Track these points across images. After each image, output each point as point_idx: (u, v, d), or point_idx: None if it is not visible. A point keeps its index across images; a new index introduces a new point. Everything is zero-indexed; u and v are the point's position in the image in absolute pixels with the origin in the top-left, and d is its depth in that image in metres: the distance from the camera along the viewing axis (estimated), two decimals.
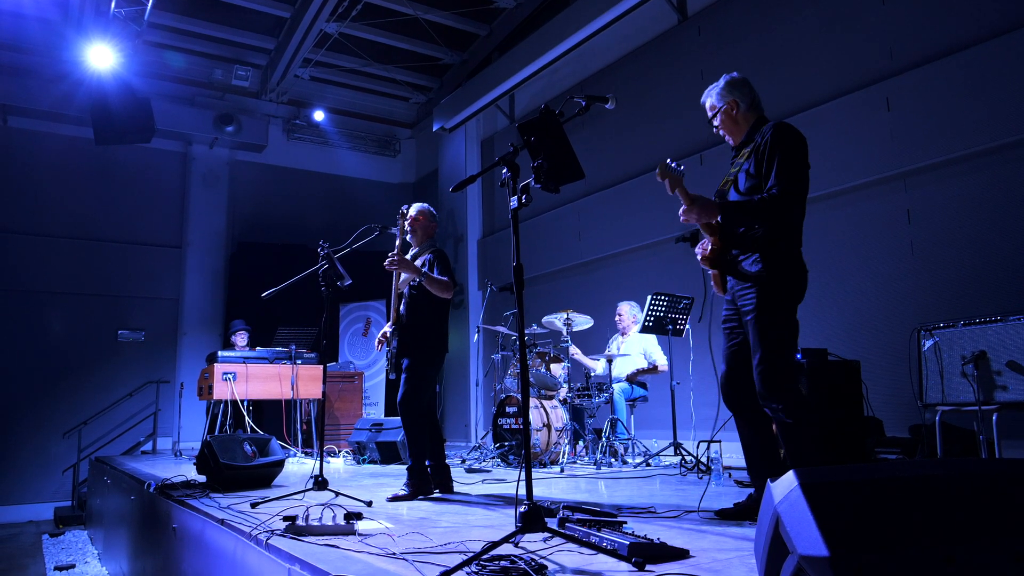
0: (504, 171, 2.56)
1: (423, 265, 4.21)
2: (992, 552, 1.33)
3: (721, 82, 2.99)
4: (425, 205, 4.44)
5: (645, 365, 6.49)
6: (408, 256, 4.35)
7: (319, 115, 11.45)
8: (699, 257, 2.88)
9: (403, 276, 4.20)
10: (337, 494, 3.67)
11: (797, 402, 2.64)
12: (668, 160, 2.85)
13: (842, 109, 5.83)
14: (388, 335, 4.21)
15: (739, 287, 2.77)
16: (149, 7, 8.16)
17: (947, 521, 1.35)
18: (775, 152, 2.71)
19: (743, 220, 2.73)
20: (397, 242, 4.24)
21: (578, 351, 6.64)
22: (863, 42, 5.80)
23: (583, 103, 2.85)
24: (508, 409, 6.06)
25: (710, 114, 3.03)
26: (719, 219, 2.75)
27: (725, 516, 2.80)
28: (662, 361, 6.44)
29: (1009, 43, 4.84)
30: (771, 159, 2.71)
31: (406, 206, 4.38)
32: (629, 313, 6.69)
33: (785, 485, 1.40)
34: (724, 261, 2.78)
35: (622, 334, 6.76)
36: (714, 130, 3.05)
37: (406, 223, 4.32)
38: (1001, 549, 1.33)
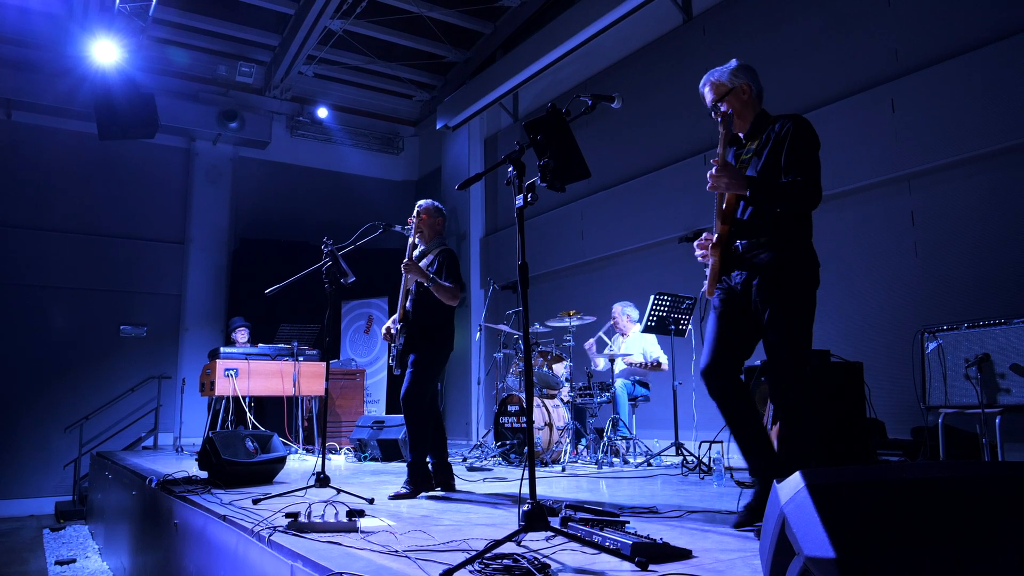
0: (510, 169, 2.55)
1: (431, 264, 4.20)
2: (999, 555, 1.33)
3: (732, 63, 2.89)
4: (429, 201, 4.37)
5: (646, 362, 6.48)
6: (416, 254, 4.34)
7: (323, 112, 11.44)
8: (700, 252, 2.78)
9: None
10: (339, 491, 3.67)
11: (807, 397, 2.63)
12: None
13: (847, 110, 5.82)
14: (395, 332, 4.20)
15: (747, 277, 2.71)
16: (154, 3, 8.16)
17: (954, 523, 1.34)
18: (799, 143, 2.66)
19: (769, 200, 2.64)
20: (409, 241, 4.21)
21: (592, 344, 6.62)
22: (868, 43, 5.79)
23: (589, 102, 2.84)
24: (510, 408, 6.06)
25: (711, 96, 2.88)
26: (748, 192, 2.62)
27: (742, 525, 2.66)
28: (664, 360, 6.44)
29: (1015, 45, 4.82)
30: (797, 149, 2.65)
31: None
32: (622, 313, 6.67)
33: (791, 486, 1.39)
34: (730, 252, 2.71)
35: (622, 335, 6.75)
36: (715, 115, 2.88)
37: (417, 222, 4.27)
38: (1008, 552, 1.33)
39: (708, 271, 2.75)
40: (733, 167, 2.67)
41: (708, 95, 2.92)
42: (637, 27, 7.96)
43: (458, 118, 10.23)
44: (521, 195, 2.47)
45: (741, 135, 2.88)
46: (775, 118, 2.82)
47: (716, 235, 2.73)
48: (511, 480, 4.77)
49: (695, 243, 2.83)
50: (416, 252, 4.33)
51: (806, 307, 2.66)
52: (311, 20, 9.16)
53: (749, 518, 2.66)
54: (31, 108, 9.96)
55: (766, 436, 2.77)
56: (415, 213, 4.29)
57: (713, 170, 2.63)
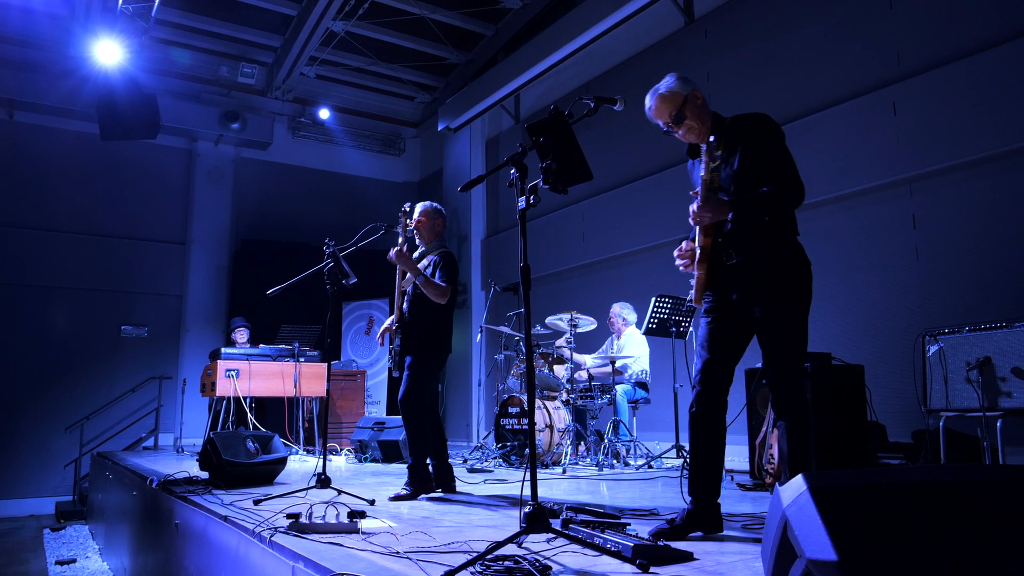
0: (512, 171, 2.56)
1: (428, 266, 4.19)
2: (1000, 558, 1.33)
3: (672, 76, 2.78)
4: (428, 203, 4.36)
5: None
6: (415, 256, 4.33)
7: (324, 113, 11.46)
8: (681, 262, 2.72)
9: (407, 275, 4.18)
10: (340, 492, 3.67)
11: (806, 405, 2.63)
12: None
13: (849, 113, 5.82)
14: (392, 332, 4.20)
15: (741, 287, 2.64)
16: (156, 3, 8.17)
17: (956, 526, 1.34)
18: (769, 144, 2.61)
19: (757, 214, 2.58)
20: (400, 239, 4.21)
21: (584, 357, 6.58)
22: (870, 46, 5.80)
23: (591, 104, 2.83)
24: (510, 409, 6.05)
25: (667, 110, 2.74)
26: (731, 215, 2.57)
27: (661, 535, 2.49)
28: (635, 368, 6.40)
29: (1017, 49, 4.83)
30: (769, 151, 2.61)
31: (408, 204, 4.30)
32: (618, 314, 6.65)
33: (794, 489, 1.40)
34: (719, 265, 2.66)
35: (617, 337, 6.72)
36: (672, 129, 2.77)
37: (408, 222, 4.24)
38: (1009, 555, 1.33)
39: (693, 281, 2.70)
40: (714, 198, 2.60)
41: (662, 111, 2.77)
42: (639, 29, 7.97)
43: (460, 120, 10.24)
44: (523, 197, 2.47)
45: (704, 146, 2.74)
46: (729, 120, 2.76)
47: (699, 248, 2.66)
48: (512, 482, 4.77)
49: (675, 252, 2.78)
50: (416, 254, 4.34)
51: (804, 310, 2.63)
52: (313, 21, 9.17)
53: (669, 532, 2.53)
54: (33, 108, 9.98)
55: (720, 464, 2.73)
56: (412, 217, 4.28)
57: (694, 206, 2.59)
